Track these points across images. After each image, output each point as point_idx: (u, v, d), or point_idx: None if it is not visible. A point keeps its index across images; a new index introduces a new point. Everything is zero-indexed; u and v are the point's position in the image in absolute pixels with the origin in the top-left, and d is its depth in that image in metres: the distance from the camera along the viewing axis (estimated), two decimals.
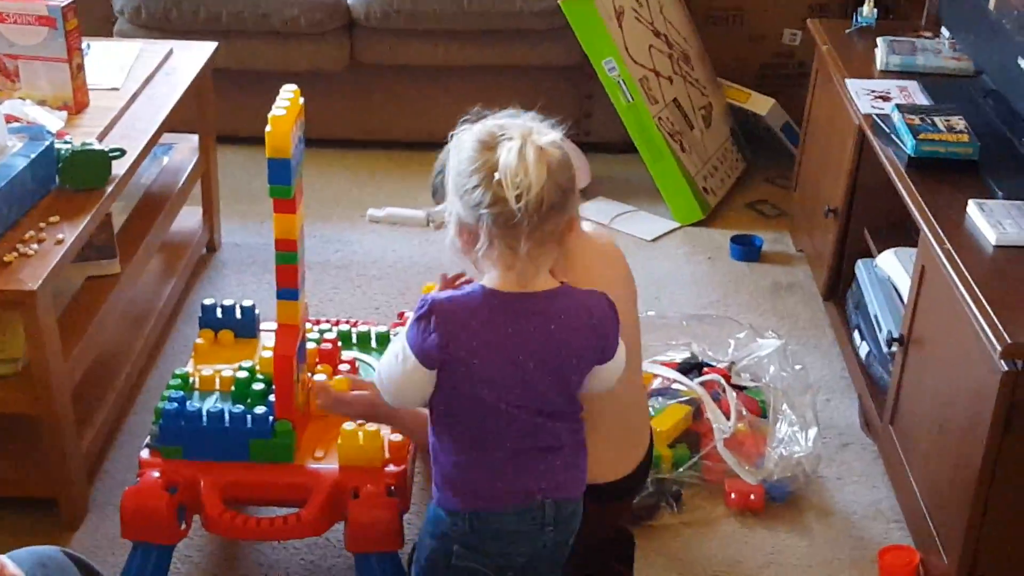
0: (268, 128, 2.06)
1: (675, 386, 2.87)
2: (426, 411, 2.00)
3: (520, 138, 1.82)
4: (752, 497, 2.73)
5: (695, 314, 3.37)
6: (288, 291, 2.21)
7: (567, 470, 1.99)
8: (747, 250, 3.78)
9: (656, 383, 2.89)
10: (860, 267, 3.14)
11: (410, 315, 2.04)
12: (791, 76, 4.41)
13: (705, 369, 3.02)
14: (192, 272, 3.52)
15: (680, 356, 3.07)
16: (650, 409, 2.78)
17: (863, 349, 3.02)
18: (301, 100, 2.17)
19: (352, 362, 2.50)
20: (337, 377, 2.37)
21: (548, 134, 1.86)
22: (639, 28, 3.98)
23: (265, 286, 3.41)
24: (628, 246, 3.79)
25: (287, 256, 2.19)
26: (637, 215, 4.00)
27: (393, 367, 1.94)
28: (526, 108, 4.34)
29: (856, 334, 3.09)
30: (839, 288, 3.32)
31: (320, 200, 4.01)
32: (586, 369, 1.95)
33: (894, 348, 2.71)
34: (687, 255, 3.78)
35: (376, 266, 3.68)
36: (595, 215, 3.97)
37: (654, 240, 3.86)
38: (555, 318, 1.90)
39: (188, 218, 3.55)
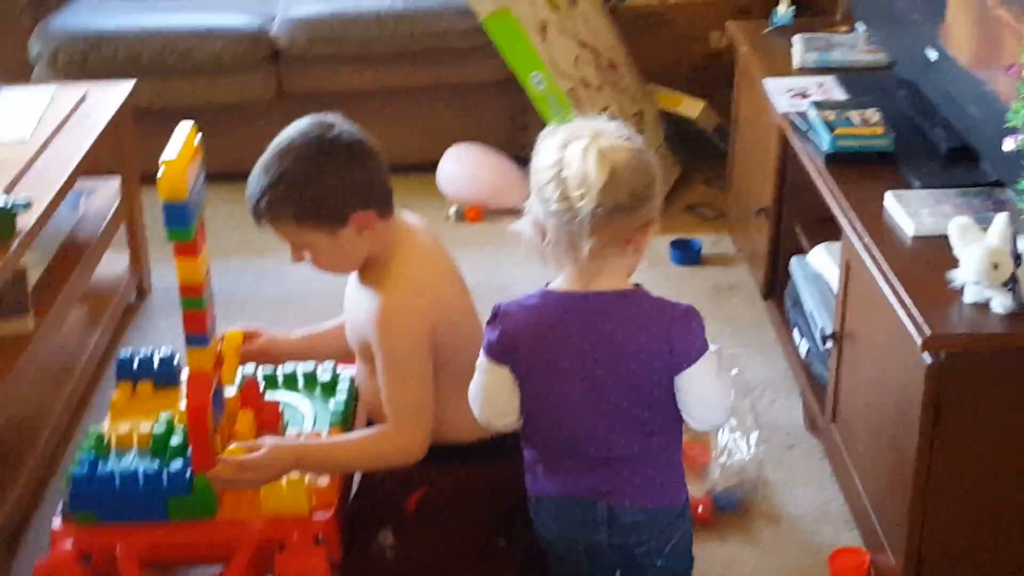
0: (160, 171, 2.00)
1: None
2: (364, 433, 2.13)
3: (588, 139, 1.88)
4: (700, 509, 2.68)
5: None
6: (197, 337, 2.14)
7: (633, 477, 2.00)
8: (686, 254, 3.75)
9: None
10: (794, 264, 3.12)
11: None
12: (721, 78, 4.37)
13: None
14: (121, 321, 3.45)
15: None
16: None
17: (803, 347, 3.00)
18: (198, 137, 2.11)
19: (275, 405, 2.43)
20: (232, 446, 2.21)
21: (616, 137, 1.90)
22: (564, 40, 3.95)
23: None
24: None
25: (193, 301, 2.12)
26: None
27: (475, 380, 2.03)
28: (460, 126, 4.36)
29: (795, 332, 3.06)
30: (777, 287, 3.30)
31: (255, 234, 3.93)
32: (659, 377, 1.93)
33: (829, 345, 2.69)
34: None
35: (315, 300, 3.61)
36: None
37: None
38: (619, 319, 1.93)
39: (114, 264, 3.49)
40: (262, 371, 2.57)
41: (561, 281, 1.96)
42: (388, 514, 2.27)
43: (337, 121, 2.19)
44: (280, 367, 2.59)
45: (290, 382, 2.55)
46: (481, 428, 2.10)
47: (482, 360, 2.01)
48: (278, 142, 2.19)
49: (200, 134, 2.14)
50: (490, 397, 2.03)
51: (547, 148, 1.93)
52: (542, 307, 1.96)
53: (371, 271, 2.22)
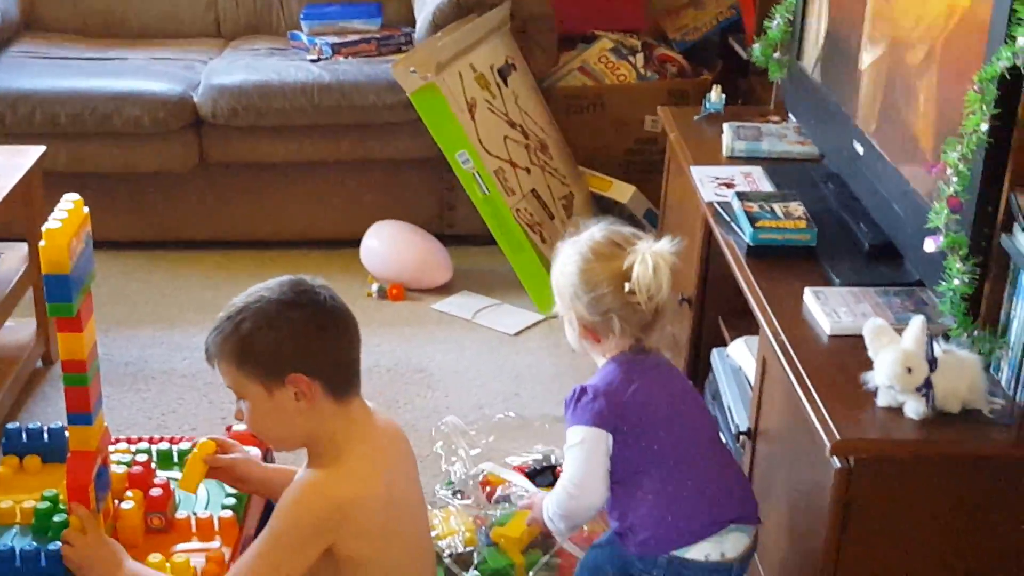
0: (42, 243, 1.92)
1: (519, 491, 2.75)
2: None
3: (646, 250, 2.13)
4: None
5: (553, 414, 3.26)
6: (80, 415, 2.07)
7: (744, 489, 2.26)
8: None
9: (502, 489, 2.77)
10: (715, 356, 3.06)
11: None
12: (655, 163, 4.34)
13: (557, 470, 2.90)
14: (23, 388, 3.35)
15: (532, 459, 2.96)
16: (498, 514, 2.69)
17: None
18: (85, 209, 2.03)
19: (166, 484, 2.33)
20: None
21: (667, 244, 2.16)
22: (493, 119, 3.91)
23: (107, 399, 3.25)
24: (490, 341, 3.71)
25: (76, 378, 2.04)
26: (500, 308, 3.90)
27: (576, 458, 2.16)
28: (385, 202, 4.30)
29: None
30: (698, 377, 3.24)
31: (170, 304, 3.87)
32: None
33: (743, 441, 2.62)
34: (550, 348, 3.69)
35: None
36: (458, 310, 3.87)
37: (517, 334, 3.76)
38: (664, 363, 2.28)
39: (19, 331, 3.40)
40: (156, 448, 2.49)
41: (621, 349, 2.21)
42: None
43: (321, 287, 2.08)
44: (175, 444, 2.51)
45: (185, 461, 2.46)
46: None
47: (589, 432, 2.14)
48: (259, 286, 2.09)
49: (93, 204, 2.05)
50: (596, 470, 2.15)
51: (580, 263, 2.18)
52: (629, 369, 2.19)
53: (317, 456, 2.09)
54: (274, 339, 2.01)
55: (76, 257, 1.96)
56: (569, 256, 2.21)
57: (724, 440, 2.88)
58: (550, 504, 2.25)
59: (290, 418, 2.05)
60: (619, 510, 2.22)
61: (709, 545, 2.18)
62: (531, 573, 2.64)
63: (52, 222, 1.94)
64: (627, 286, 2.12)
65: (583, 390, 2.17)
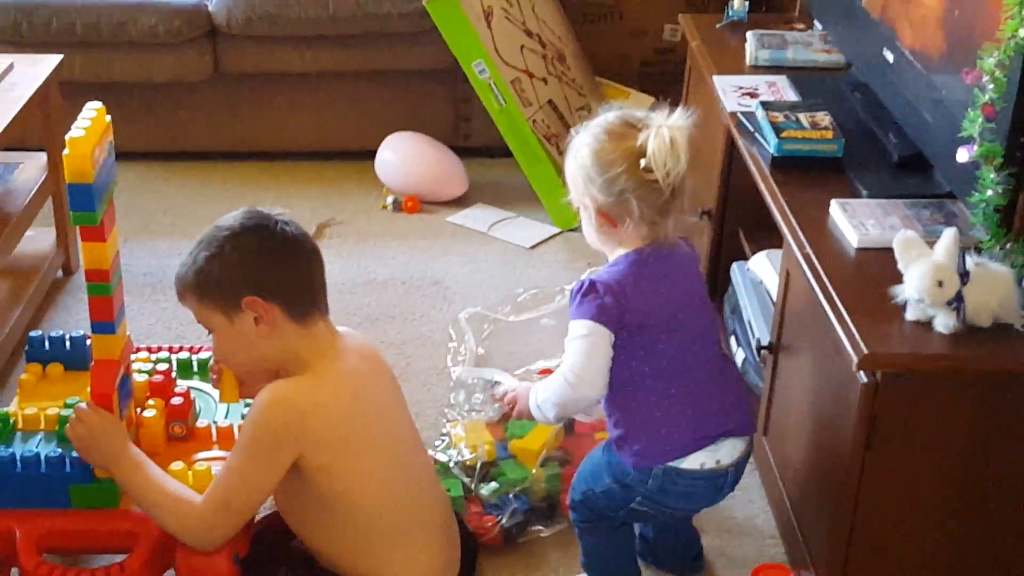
0: (65, 151, 1.89)
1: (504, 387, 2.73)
2: (180, 488, 2.08)
3: (661, 123, 2.06)
4: None
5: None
6: (103, 325, 2.07)
7: (741, 400, 2.24)
8: None
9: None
10: (735, 270, 3.04)
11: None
12: (673, 73, 4.29)
13: None
14: (45, 298, 3.34)
15: (552, 364, 2.94)
16: (519, 428, 2.67)
17: (739, 356, 2.92)
18: (107, 118, 2.00)
19: (187, 393, 2.33)
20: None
21: (681, 116, 2.08)
22: (509, 28, 3.85)
23: (127, 310, 3.25)
24: (506, 254, 3.69)
25: (99, 287, 2.04)
26: (516, 221, 3.87)
27: (579, 349, 2.11)
28: (401, 113, 4.26)
29: (732, 340, 2.99)
30: (717, 292, 3.22)
31: (187, 215, 3.85)
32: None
33: (765, 355, 2.61)
34: (566, 261, 3.66)
35: None
36: (473, 223, 3.84)
37: (533, 247, 3.73)
38: (684, 263, 2.20)
39: (40, 240, 3.38)
40: (176, 358, 2.49)
41: (638, 244, 2.14)
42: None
43: (280, 217, 2.09)
44: (195, 354, 2.51)
45: (205, 369, 2.47)
46: None
47: (592, 328, 2.09)
48: (216, 222, 2.10)
49: (111, 114, 2.02)
50: (596, 366, 2.11)
51: (594, 145, 2.11)
52: (643, 268, 2.13)
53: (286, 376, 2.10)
54: (226, 265, 2.04)
55: (99, 166, 1.94)
56: (582, 140, 2.16)
57: (728, 350, 2.89)
58: (543, 391, 2.21)
59: (253, 344, 2.07)
60: (615, 416, 2.20)
61: (704, 455, 2.17)
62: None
63: (75, 130, 1.92)
64: (643, 163, 2.06)
65: (592, 284, 2.12)
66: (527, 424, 2.69)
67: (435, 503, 2.26)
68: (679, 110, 2.09)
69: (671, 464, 2.16)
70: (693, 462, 2.17)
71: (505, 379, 2.77)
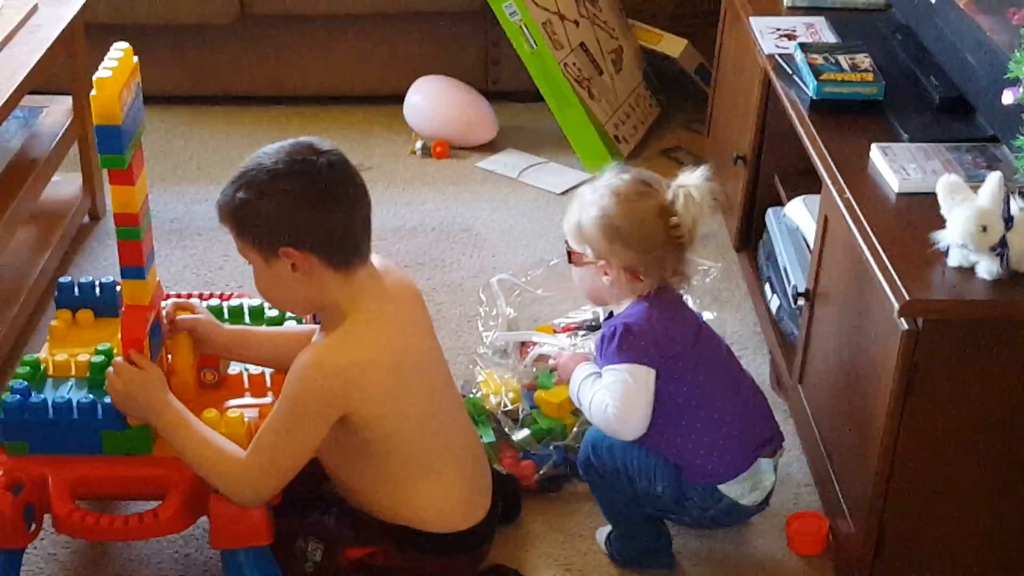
0: (93, 92, 1.86)
1: (550, 347, 2.71)
2: (227, 444, 2.07)
3: (686, 183, 2.18)
4: None
5: None
6: (133, 269, 2.06)
7: (768, 413, 2.31)
8: None
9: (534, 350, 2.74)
10: (770, 216, 2.99)
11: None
12: (706, 15, 4.21)
13: None
14: (72, 244, 3.33)
15: (581, 318, 2.92)
16: (550, 379, 2.65)
17: (774, 303, 2.88)
18: (135, 59, 1.97)
19: None
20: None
21: (694, 173, 2.19)
22: None
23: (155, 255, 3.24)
24: (537, 200, 3.65)
25: (129, 232, 2.02)
26: (547, 167, 3.83)
27: (626, 388, 2.15)
28: (430, 57, 4.19)
29: (767, 287, 2.95)
30: (751, 238, 3.18)
31: (214, 160, 3.82)
32: None
33: (801, 302, 2.58)
34: None
35: None
36: (503, 168, 3.80)
37: (563, 193, 3.69)
38: (680, 301, 2.30)
39: (66, 185, 3.36)
40: (206, 304, 2.47)
41: (651, 289, 2.22)
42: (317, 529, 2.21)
43: (331, 152, 2.02)
44: (226, 301, 2.49)
45: (236, 315, 2.45)
46: (447, 520, 2.17)
47: (635, 369, 2.15)
48: (264, 148, 2.03)
49: (136, 56, 1.99)
50: (643, 402, 2.16)
51: (619, 205, 2.18)
52: (662, 310, 2.21)
53: (327, 324, 2.10)
54: (265, 212, 1.98)
55: (127, 107, 1.91)
56: (598, 198, 2.20)
57: (763, 297, 2.86)
58: (587, 393, 2.25)
59: (291, 286, 2.04)
60: (664, 440, 2.23)
61: (741, 486, 2.24)
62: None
63: (102, 71, 1.89)
64: (672, 220, 2.16)
65: (626, 328, 2.17)
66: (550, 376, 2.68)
67: (464, 434, 2.27)
68: (701, 170, 2.20)
69: (722, 487, 2.23)
70: (735, 490, 2.23)
71: (544, 339, 2.76)
